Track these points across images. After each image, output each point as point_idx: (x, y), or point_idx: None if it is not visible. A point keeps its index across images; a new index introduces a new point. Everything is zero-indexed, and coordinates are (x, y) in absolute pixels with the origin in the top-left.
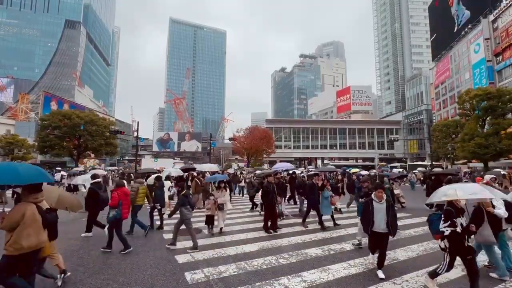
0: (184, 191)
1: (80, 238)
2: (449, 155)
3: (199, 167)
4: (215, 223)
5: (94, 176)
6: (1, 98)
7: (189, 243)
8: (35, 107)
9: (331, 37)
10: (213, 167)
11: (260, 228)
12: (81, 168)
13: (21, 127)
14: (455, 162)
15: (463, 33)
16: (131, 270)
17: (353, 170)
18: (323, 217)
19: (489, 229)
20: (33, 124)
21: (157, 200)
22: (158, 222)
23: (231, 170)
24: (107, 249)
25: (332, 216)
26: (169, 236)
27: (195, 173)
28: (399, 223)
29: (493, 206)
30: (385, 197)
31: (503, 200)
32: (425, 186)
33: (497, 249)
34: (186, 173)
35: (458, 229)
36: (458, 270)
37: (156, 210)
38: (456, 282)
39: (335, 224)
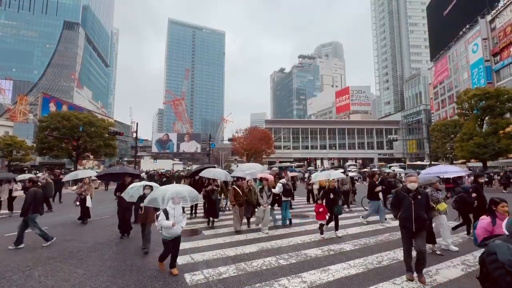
0: None
1: (78, 240)
2: (448, 155)
3: (236, 170)
4: None
5: None
6: (0, 99)
7: (189, 244)
8: (33, 109)
9: (330, 38)
10: (260, 168)
11: (260, 228)
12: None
13: (19, 129)
14: (454, 162)
15: (461, 33)
16: (130, 272)
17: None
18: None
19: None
20: (31, 125)
21: None
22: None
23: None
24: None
25: None
26: None
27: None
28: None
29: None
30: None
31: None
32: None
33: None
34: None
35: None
36: (458, 270)
37: None
38: (456, 282)
39: None
